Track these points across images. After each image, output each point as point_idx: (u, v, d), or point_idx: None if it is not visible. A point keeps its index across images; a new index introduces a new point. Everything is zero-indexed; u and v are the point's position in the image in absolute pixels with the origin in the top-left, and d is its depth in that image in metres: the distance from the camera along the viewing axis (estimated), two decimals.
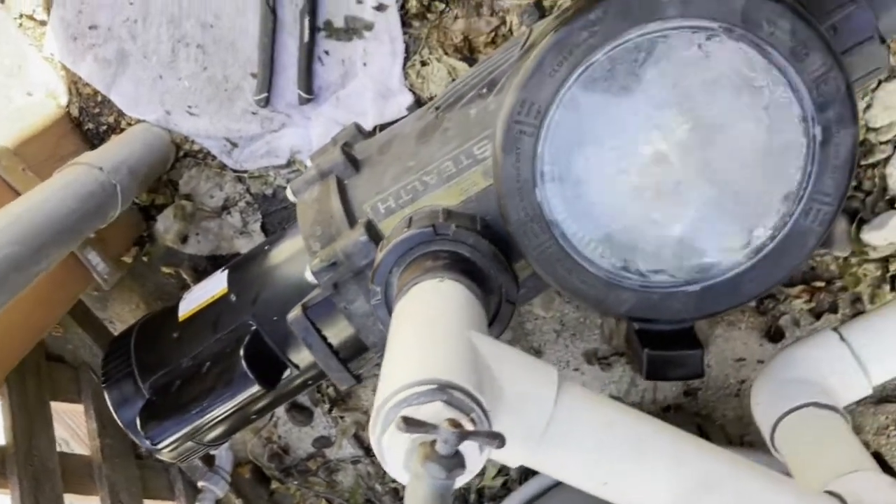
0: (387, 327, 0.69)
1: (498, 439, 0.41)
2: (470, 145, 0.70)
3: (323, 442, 1.15)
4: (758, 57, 0.56)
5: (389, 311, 0.68)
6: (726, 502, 0.52)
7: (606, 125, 0.60)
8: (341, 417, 1.14)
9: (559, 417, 0.51)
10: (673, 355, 0.63)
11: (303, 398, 1.12)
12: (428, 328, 0.52)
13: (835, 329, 0.77)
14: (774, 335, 1.07)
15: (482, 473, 1.16)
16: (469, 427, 0.42)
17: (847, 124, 0.57)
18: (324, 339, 0.74)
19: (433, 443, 0.40)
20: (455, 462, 0.40)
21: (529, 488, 1.05)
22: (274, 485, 1.16)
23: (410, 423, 0.40)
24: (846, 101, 0.57)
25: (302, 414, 1.12)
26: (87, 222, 0.77)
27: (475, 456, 0.44)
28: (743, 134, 0.59)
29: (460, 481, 0.42)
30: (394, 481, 1.16)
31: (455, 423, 0.40)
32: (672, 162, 0.60)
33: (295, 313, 0.73)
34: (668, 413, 1.14)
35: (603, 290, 0.64)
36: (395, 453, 0.44)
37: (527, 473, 1.15)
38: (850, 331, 0.76)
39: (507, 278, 0.66)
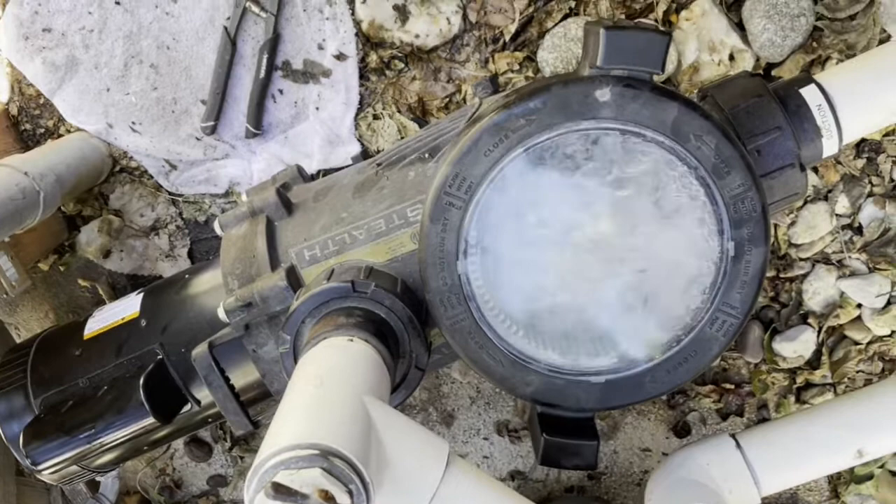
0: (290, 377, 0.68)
1: None
2: (404, 206, 0.70)
3: (218, 481, 1.11)
4: (683, 168, 0.58)
5: (296, 361, 0.67)
6: None
7: (534, 209, 0.61)
8: (241, 458, 1.11)
9: (443, 495, 0.51)
10: (569, 444, 0.63)
11: (203, 433, 1.09)
12: (323, 388, 0.51)
13: (732, 435, 0.78)
14: (681, 430, 1.09)
15: None
16: (343, 500, 0.42)
17: (759, 243, 0.60)
18: (227, 379, 0.72)
19: None
20: None
21: None
22: None
23: (279, 491, 0.39)
24: (761, 221, 0.59)
25: (201, 449, 1.09)
26: (2, 226, 0.74)
27: None
28: (663, 237, 0.61)
29: None
30: None
31: (326, 496, 0.39)
32: (594, 254, 0.62)
33: (200, 349, 0.71)
34: (570, 493, 1.14)
35: (510, 370, 0.64)
36: None
37: None
38: (746, 439, 0.78)
39: (420, 344, 0.66)
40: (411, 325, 0.65)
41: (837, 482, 1.08)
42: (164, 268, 1.03)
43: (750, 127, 0.63)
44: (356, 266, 0.68)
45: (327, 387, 0.51)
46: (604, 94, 0.57)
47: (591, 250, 0.62)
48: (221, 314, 0.71)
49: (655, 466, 1.09)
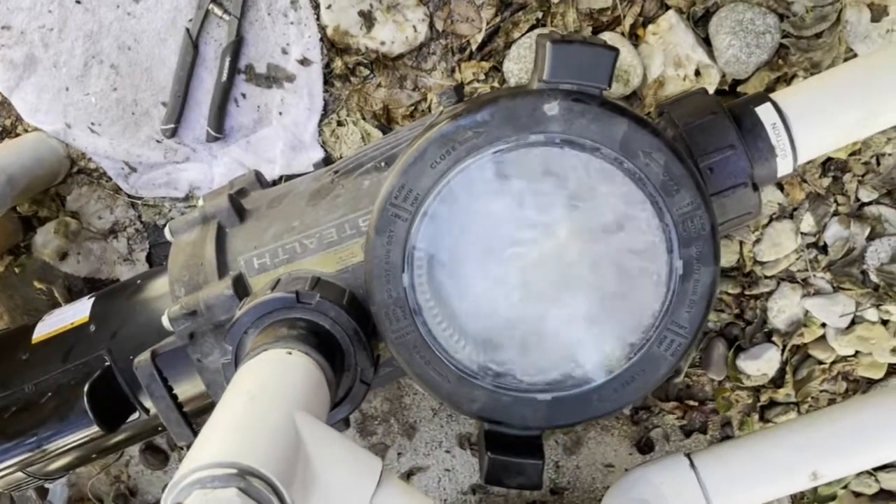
0: None
1: None
2: (357, 216, 0.69)
3: None
4: (631, 184, 0.58)
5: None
6: None
7: (482, 222, 0.60)
8: None
9: None
10: (514, 462, 0.62)
11: (159, 440, 1.07)
12: (251, 403, 0.50)
13: (687, 454, 0.77)
14: (644, 447, 1.08)
15: None
16: None
17: (708, 262, 0.59)
18: (169, 389, 0.71)
19: None
20: None
21: None
22: None
23: None
24: (710, 240, 0.59)
25: (156, 457, 1.07)
26: None
27: None
28: (611, 253, 0.60)
29: None
30: None
31: None
32: (541, 270, 0.61)
33: (142, 357, 0.70)
34: None
35: (456, 386, 0.63)
36: None
37: None
38: (701, 459, 0.77)
39: (365, 358, 0.64)
40: (357, 338, 0.64)
41: (801, 503, 1.08)
42: (122, 271, 1.01)
43: (703, 145, 0.62)
44: (304, 276, 0.67)
45: (256, 402, 0.50)
46: (552, 107, 0.56)
47: (539, 266, 0.61)
48: (166, 322, 0.69)
49: (610, 487, 1.08)
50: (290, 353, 0.58)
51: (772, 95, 0.66)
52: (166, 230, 0.77)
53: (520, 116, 0.57)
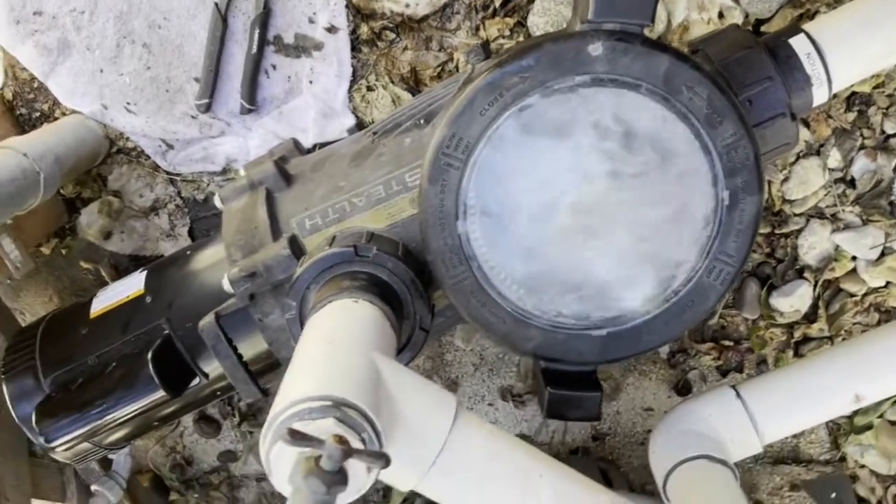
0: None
1: (383, 459, 0.42)
2: (402, 172, 0.71)
3: (228, 456, 1.12)
4: (675, 119, 0.59)
5: (302, 327, 0.68)
6: None
7: (531, 166, 0.62)
8: (250, 433, 1.12)
9: (452, 446, 0.52)
10: (573, 396, 0.64)
11: (212, 410, 1.10)
12: (332, 345, 0.52)
13: (732, 386, 0.80)
14: (682, 389, 1.10)
15: (388, 500, 1.15)
16: (357, 445, 0.43)
17: (753, 191, 0.61)
18: (234, 349, 0.73)
19: (318, 458, 0.41)
20: (337, 479, 0.40)
21: None
22: (173, 496, 1.13)
23: (296, 437, 0.40)
24: (754, 169, 0.60)
25: (210, 426, 1.10)
26: (4, 207, 0.75)
27: (362, 475, 0.44)
28: (660, 189, 0.62)
29: (342, 498, 0.42)
30: None
31: (341, 440, 0.40)
32: (591, 209, 0.63)
33: (207, 320, 0.72)
34: (575, 455, 1.16)
35: (512, 327, 0.65)
36: (282, 467, 0.44)
37: None
38: (746, 389, 0.79)
39: (423, 305, 0.67)
40: (414, 287, 0.66)
41: (837, 433, 1.10)
42: (165, 247, 1.04)
43: (741, 78, 0.64)
44: (357, 232, 0.69)
45: (335, 344, 0.53)
46: (596, 48, 0.57)
47: (589, 206, 0.62)
48: (226, 285, 0.72)
49: (658, 421, 1.11)
50: (356, 302, 0.60)
51: (804, 27, 0.67)
52: (215, 198, 0.79)
53: (564, 59, 0.58)
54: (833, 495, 1.06)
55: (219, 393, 0.89)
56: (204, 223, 1.03)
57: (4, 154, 0.77)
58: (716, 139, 0.59)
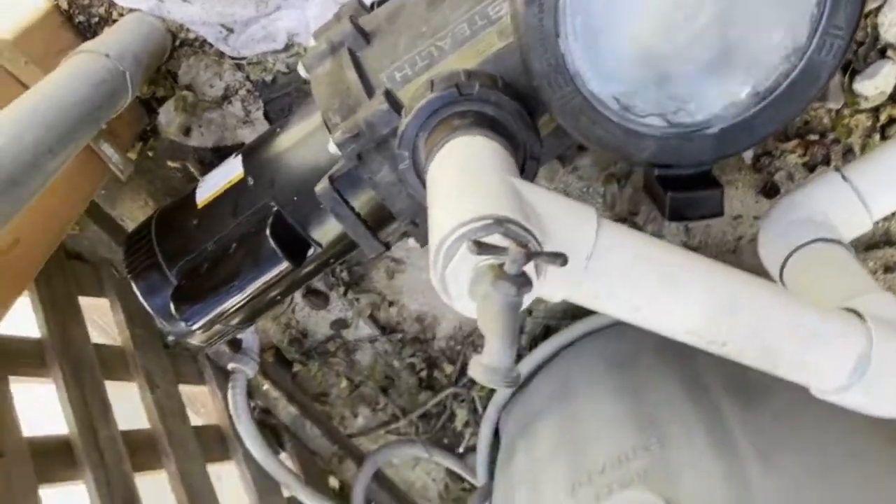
0: (416, 192, 0.71)
1: (561, 258, 0.44)
2: (483, 6, 0.70)
3: (340, 324, 1.19)
4: None
5: (417, 175, 0.70)
6: (754, 319, 0.56)
7: None
8: (356, 300, 1.17)
9: (599, 251, 0.54)
10: (695, 196, 0.66)
11: (318, 283, 1.15)
12: (470, 174, 0.54)
13: (836, 169, 0.80)
14: (770, 191, 1.11)
15: None
16: (535, 248, 0.45)
17: None
18: (352, 209, 0.76)
19: (501, 265, 0.43)
20: (523, 281, 0.43)
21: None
22: (296, 367, 1.21)
23: (482, 247, 0.42)
24: None
25: (318, 298, 1.16)
26: (102, 110, 0.76)
27: (534, 279, 0.47)
28: None
29: (526, 300, 0.45)
30: (411, 356, 1.21)
31: (522, 245, 0.43)
32: (691, 4, 0.61)
33: (323, 185, 0.75)
34: None
35: (624, 139, 0.66)
36: (461, 283, 0.47)
37: (535, 340, 1.21)
38: (851, 170, 0.79)
39: (531, 134, 0.68)
40: (520, 117, 0.67)
41: None
42: (244, 134, 1.05)
43: None
44: (453, 73, 0.69)
45: (473, 171, 0.54)
46: None
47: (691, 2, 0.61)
48: (332, 148, 0.73)
49: (751, 229, 1.12)
50: (473, 137, 0.61)
51: None
52: (299, 67, 0.79)
53: None
54: None
55: (331, 261, 0.93)
56: (277, 103, 1.04)
57: (88, 58, 0.78)
58: None
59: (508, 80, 0.69)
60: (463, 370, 1.22)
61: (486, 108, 0.66)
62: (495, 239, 0.46)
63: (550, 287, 0.54)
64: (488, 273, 0.43)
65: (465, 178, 0.53)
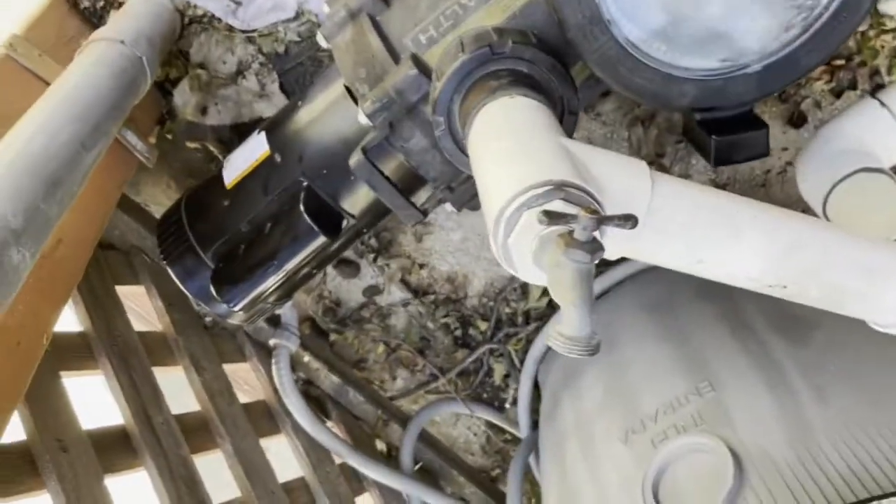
0: (454, 158, 0.70)
1: (632, 220, 0.43)
2: None
3: (372, 290, 1.18)
4: None
5: (454, 140, 0.69)
6: (815, 259, 0.55)
7: None
8: (387, 265, 1.17)
9: (657, 205, 0.53)
10: (740, 138, 0.64)
11: (348, 253, 1.15)
12: (518, 138, 0.53)
13: (873, 96, 0.78)
14: (797, 121, 1.09)
15: (527, 295, 1.21)
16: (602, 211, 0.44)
17: None
18: (387, 178, 0.75)
19: (570, 232, 0.43)
20: (595, 246, 0.42)
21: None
22: (332, 336, 1.21)
23: (551, 216, 0.42)
24: None
25: (349, 267, 1.15)
26: (127, 98, 0.75)
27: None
28: None
29: None
30: (445, 316, 1.21)
31: (591, 210, 0.42)
32: None
33: (356, 157, 0.74)
34: None
35: (664, 86, 0.65)
36: (524, 253, 0.46)
37: None
38: (888, 95, 0.78)
39: (568, 88, 0.66)
40: (556, 71, 0.65)
41: None
42: (261, 108, 1.03)
43: None
44: (483, 31, 0.67)
45: (521, 134, 0.53)
46: None
47: None
48: (363, 119, 0.72)
49: (779, 162, 1.11)
50: (512, 98, 0.60)
51: None
52: (318, 37, 0.77)
53: None
54: None
55: (364, 231, 0.92)
56: (292, 74, 1.02)
57: (104, 46, 0.76)
58: None
59: (539, 33, 0.67)
60: (497, 326, 1.22)
61: (520, 65, 0.64)
62: (556, 206, 0.46)
63: (610, 246, 0.53)
64: (558, 241, 0.42)
65: (514, 143, 0.52)
